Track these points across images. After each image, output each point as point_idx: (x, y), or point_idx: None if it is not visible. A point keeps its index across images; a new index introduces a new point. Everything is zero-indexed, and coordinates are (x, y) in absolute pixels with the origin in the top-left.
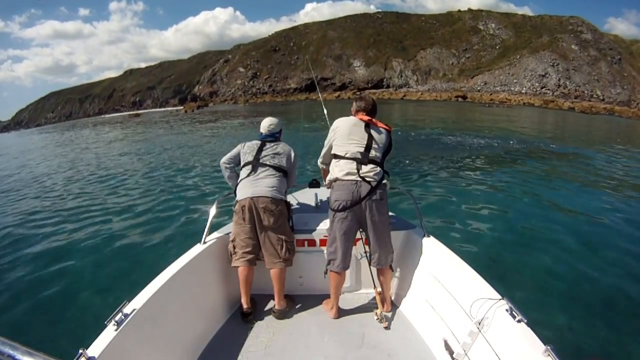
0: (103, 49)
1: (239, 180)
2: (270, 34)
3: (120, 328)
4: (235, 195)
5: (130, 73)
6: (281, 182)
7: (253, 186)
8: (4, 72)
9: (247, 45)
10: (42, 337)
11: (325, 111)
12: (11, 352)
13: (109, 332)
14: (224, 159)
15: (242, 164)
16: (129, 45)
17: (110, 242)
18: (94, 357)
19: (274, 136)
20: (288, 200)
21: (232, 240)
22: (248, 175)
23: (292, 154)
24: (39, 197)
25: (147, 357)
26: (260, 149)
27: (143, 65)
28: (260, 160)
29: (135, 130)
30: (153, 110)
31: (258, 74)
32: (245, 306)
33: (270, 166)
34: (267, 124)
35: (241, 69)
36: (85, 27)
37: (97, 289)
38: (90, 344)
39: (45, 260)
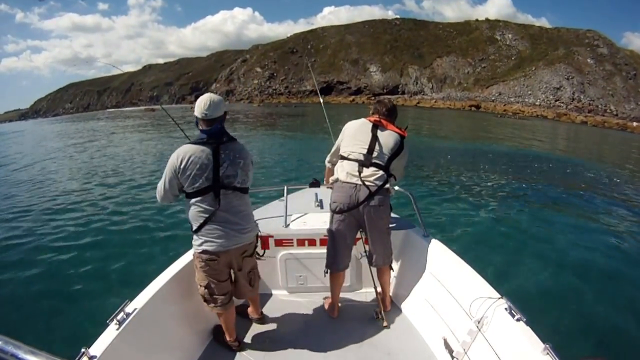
0: (121, 43)
1: (193, 214)
2: (288, 35)
3: (122, 327)
4: (194, 235)
5: (149, 68)
6: (250, 208)
7: (225, 233)
8: (23, 61)
9: (265, 46)
10: (44, 336)
11: (325, 115)
12: (14, 351)
13: (111, 331)
14: (160, 197)
15: (188, 187)
16: (147, 40)
17: (113, 240)
18: (95, 356)
19: (222, 126)
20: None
21: (204, 286)
22: (212, 215)
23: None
24: (41, 195)
25: (148, 356)
26: (216, 160)
27: (161, 61)
28: (222, 181)
29: (151, 124)
30: (169, 106)
31: (275, 74)
32: (231, 339)
33: (237, 189)
34: (211, 101)
35: (258, 69)
36: (103, 21)
37: (99, 288)
38: (92, 343)
39: (46, 260)
